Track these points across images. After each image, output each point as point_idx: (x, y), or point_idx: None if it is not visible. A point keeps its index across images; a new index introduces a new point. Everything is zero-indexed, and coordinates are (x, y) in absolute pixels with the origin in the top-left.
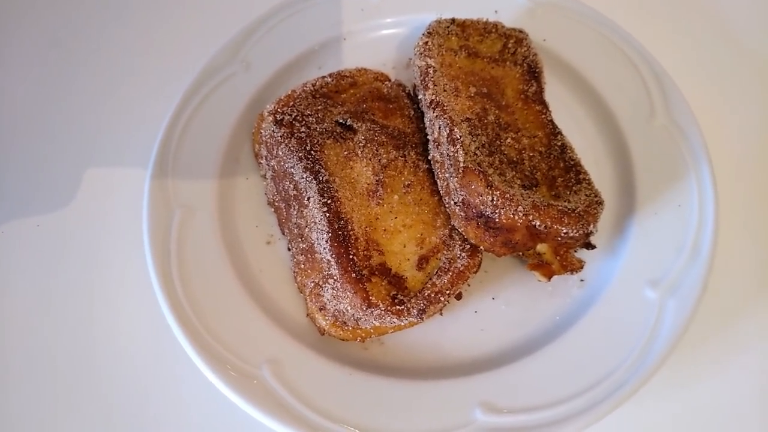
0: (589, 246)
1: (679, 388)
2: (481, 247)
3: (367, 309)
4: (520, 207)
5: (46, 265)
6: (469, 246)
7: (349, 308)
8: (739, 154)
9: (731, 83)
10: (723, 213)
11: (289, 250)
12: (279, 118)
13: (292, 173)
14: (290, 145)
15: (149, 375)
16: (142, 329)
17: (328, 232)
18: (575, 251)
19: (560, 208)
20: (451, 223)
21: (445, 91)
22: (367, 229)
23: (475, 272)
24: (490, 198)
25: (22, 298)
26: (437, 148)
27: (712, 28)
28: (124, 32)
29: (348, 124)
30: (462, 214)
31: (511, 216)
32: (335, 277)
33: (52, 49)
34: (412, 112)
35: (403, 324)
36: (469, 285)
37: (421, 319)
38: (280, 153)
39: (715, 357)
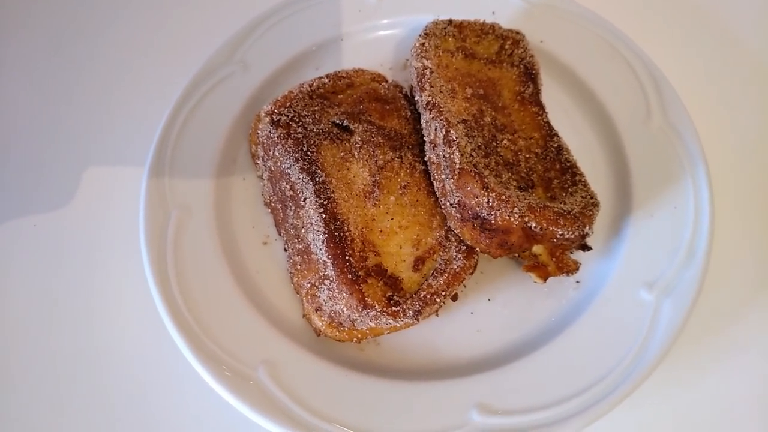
0: (585, 248)
1: (674, 390)
2: (477, 249)
3: (362, 310)
4: (515, 209)
5: (44, 264)
6: (465, 247)
7: (345, 309)
8: (735, 156)
9: (727, 85)
10: (719, 215)
11: (285, 250)
12: (276, 119)
13: (289, 174)
14: (287, 146)
15: (146, 375)
16: (139, 329)
17: (324, 233)
18: (571, 253)
19: (556, 209)
20: (447, 224)
21: (441, 92)
22: (363, 230)
23: (471, 273)
24: (485, 200)
25: (19, 297)
26: (433, 149)
27: (709, 30)
28: (122, 32)
29: (345, 125)
30: (458, 215)
31: (507, 218)
32: (331, 278)
33: (49, 49)
34: (409, 114)
35: (399, 325)
36: (465, 286)
37: (417, 320)
38: (277, 154)
39: (711, 358)
